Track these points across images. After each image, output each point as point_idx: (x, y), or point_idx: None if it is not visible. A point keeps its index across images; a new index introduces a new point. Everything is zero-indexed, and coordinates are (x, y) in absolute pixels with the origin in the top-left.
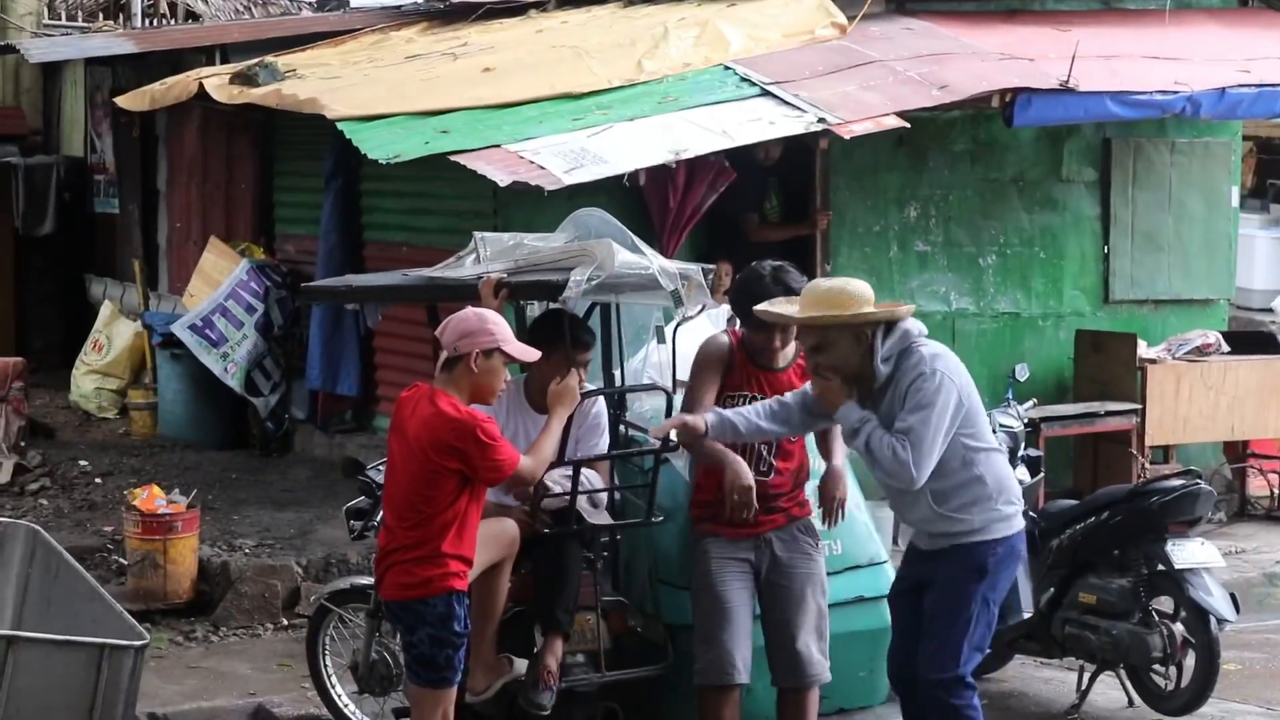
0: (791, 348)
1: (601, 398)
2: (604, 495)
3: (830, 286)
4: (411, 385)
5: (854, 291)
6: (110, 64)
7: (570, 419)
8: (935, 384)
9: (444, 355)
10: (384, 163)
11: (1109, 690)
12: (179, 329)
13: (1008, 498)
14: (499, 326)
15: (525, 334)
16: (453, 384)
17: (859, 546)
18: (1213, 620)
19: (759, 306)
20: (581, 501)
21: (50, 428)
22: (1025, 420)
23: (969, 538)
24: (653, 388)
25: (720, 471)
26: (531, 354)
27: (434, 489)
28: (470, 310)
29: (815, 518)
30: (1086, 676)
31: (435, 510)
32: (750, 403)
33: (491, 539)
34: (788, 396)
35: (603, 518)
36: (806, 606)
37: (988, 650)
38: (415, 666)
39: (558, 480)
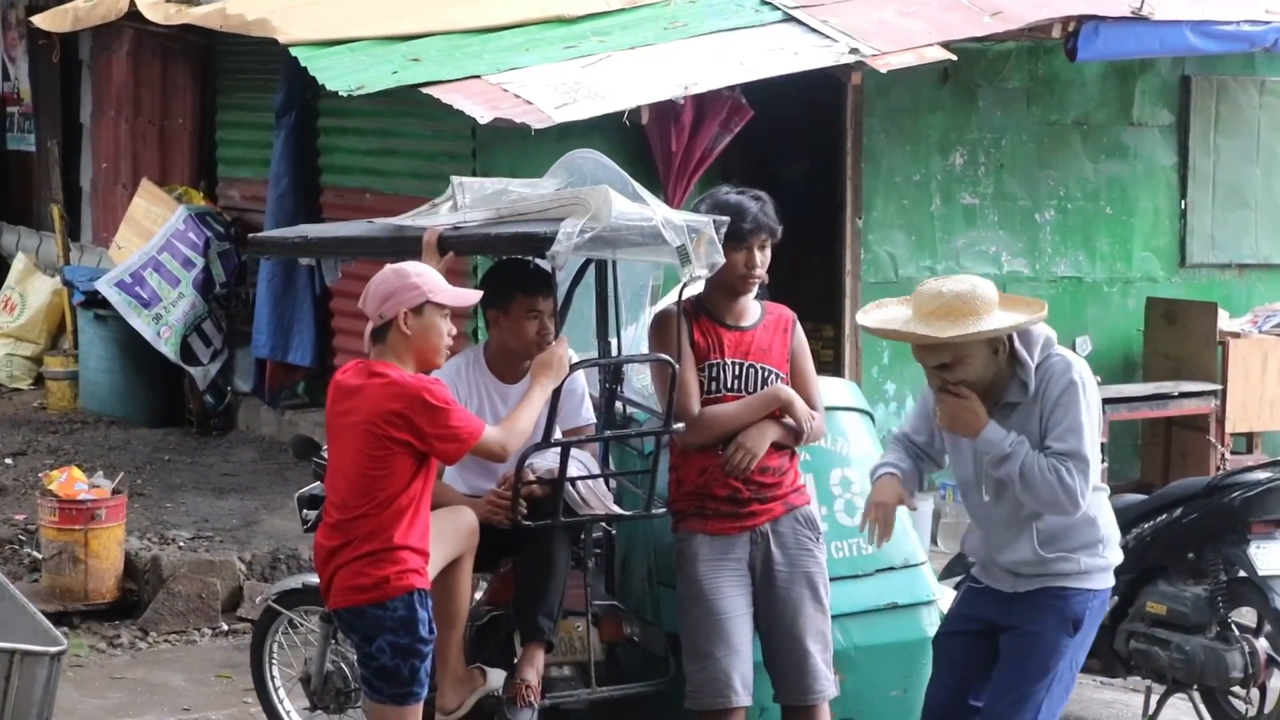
0: (757, 307)
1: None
2: (603, 480)
3: (960, 293)
4: (346, 365)
5: (985, 295)
6: None
7: (555, 392)
8: (1088, 396)
9: (369, 326)
10: (345, 95)
11: (1180, 715)
12: (104, 286)
13: (1112, 547)
14: (424, 277)
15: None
16: (390, 354)
17: (893, 545)
18: None
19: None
20: (569, 489)
21: None
22: None
23: (1068, 581)
24: (655, 358)
25: (706, 456)
26: (468, 297)
27: (383, 468)
28: (387, 268)
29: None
30: (1155, 699)
31: (387, 495)
32: (722, 371)
33: (447, 533)
34: (896, 446)
35: (599, 506)
36: (809, 610)
37: None
38: (376, 681)
39: (547, 462)
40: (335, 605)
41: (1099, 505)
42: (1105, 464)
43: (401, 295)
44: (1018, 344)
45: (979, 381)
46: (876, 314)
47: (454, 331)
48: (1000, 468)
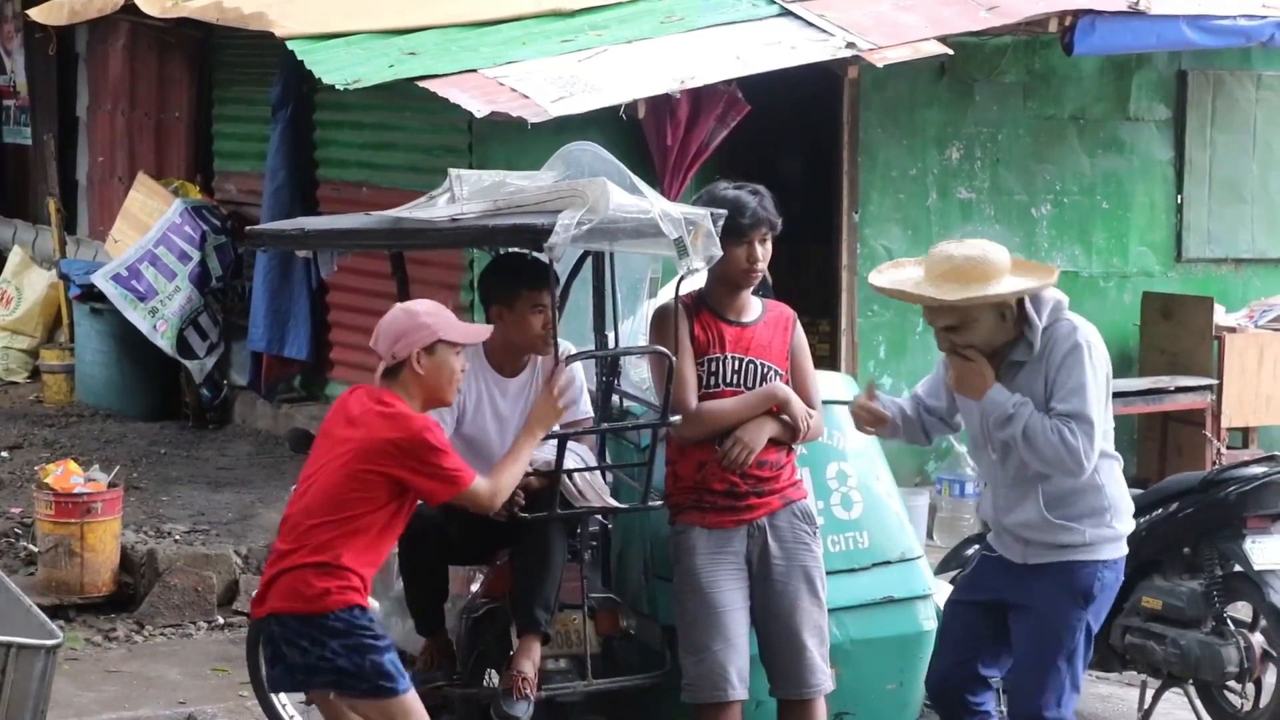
0: (758, 304)
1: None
2: (600, 473)
3: (970, 256)
4: (353, 386)
5: (996, 259)
6: None
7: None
8: (1095, 358)
9: (381, 365)
10: (341, 89)
11: (1175, 710)
12: (101, 279)
13: (1122, 516)
14: (434, 316)
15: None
16: (400, 389)
17: (889, 540)
18: None
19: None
20: (565, 482)
21: None
22: None
23: (1075, 554)
24: (652, 350)
25: (703, 451)
26: (480, 334)
27: (360, 491)
28: (396, 308)
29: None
30: (1150, 694)
31: (352, 514)
32: (721, 366)
33: None
34: (905, 399)
35: (595, 499)
36: (806, 604)
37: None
38: (346, 680)
39: (544, 454)
40: (274, 608)
41: (1108, 472)
42: None
43: (414, 335)
44: (1027, 305)
45: (987, 344)
46: (891, 274)
47: (465, 367)
48: (1005, 429)
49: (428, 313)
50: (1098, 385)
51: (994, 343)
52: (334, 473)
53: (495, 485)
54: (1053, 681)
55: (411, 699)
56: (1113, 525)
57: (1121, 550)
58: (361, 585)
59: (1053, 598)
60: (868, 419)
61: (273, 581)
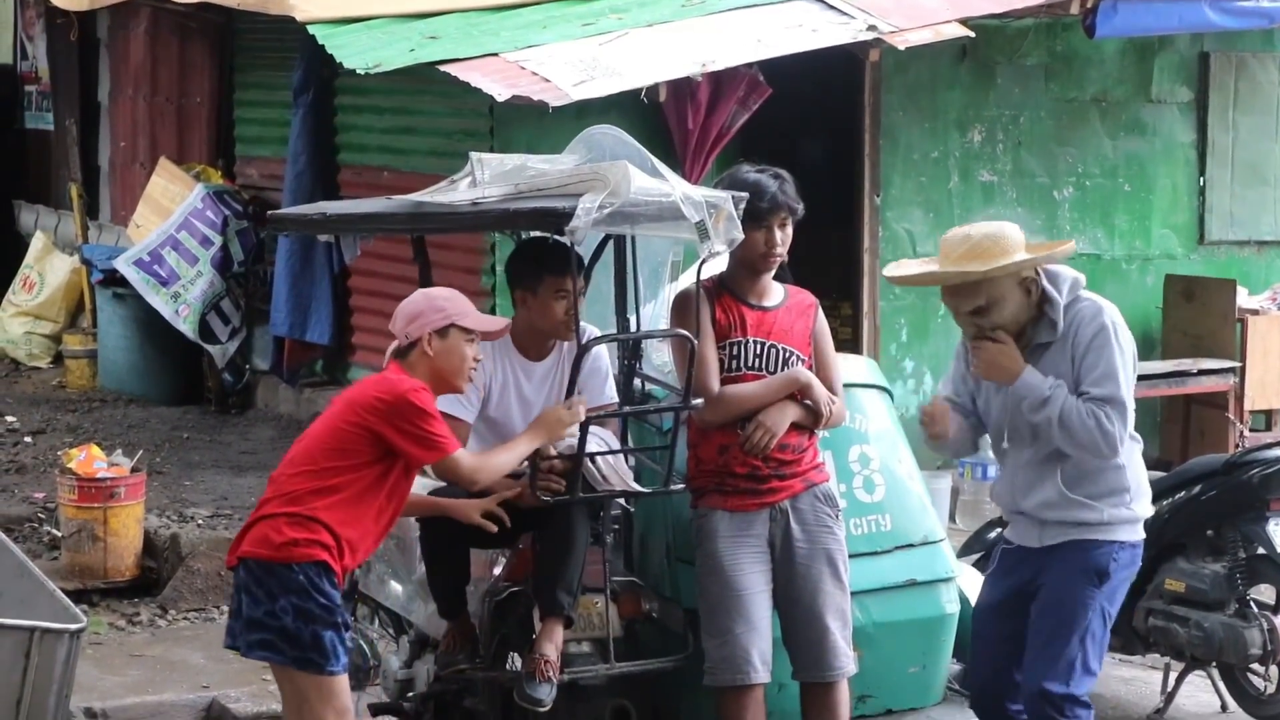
0: (780, 289)
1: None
2: (622, 456)
3: (986, 234)
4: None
5: (1011, 236)
6: None
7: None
8: (1122, 340)
9: (394, 345)
10: (362, 73)
11: (1199, 693)
12: (123, 265)
13: (1141, 500)
14: (451, 302)
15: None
16: (409, 370)
17: (911, 522)
18: None
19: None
20: (588, 465)
21: None
22: None
23: (1091, 532)
24: (674, 334)
25: (725, 435)
26: (495, 324)
27: (341, 444)
28: (417, 292)
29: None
30: (1173, 676)
31: (331, 468)
32: (743, 350)
33: None
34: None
35: (618, 482)
36: (829, 587)
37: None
38: (279, 642)
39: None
40: (244, 554)
41: (1130, 455)
42: None
43: (428, 317)
44: (1046, 283)
45: (1014, 324)
46: (906, 267)
47: (479, 356)
48: (1039, 412)
49: (446, 298)
50: (1126, 367)
51: (1020, 321)
52: (319, 427)
53: (479, 463)
54: (1064, 658)
55: (338, 683)
56: (1131, 507)
57: (1138, 534)
58: (334, 544)
59: (1067, 575)
60: (935, 428)
61: (248, 530)
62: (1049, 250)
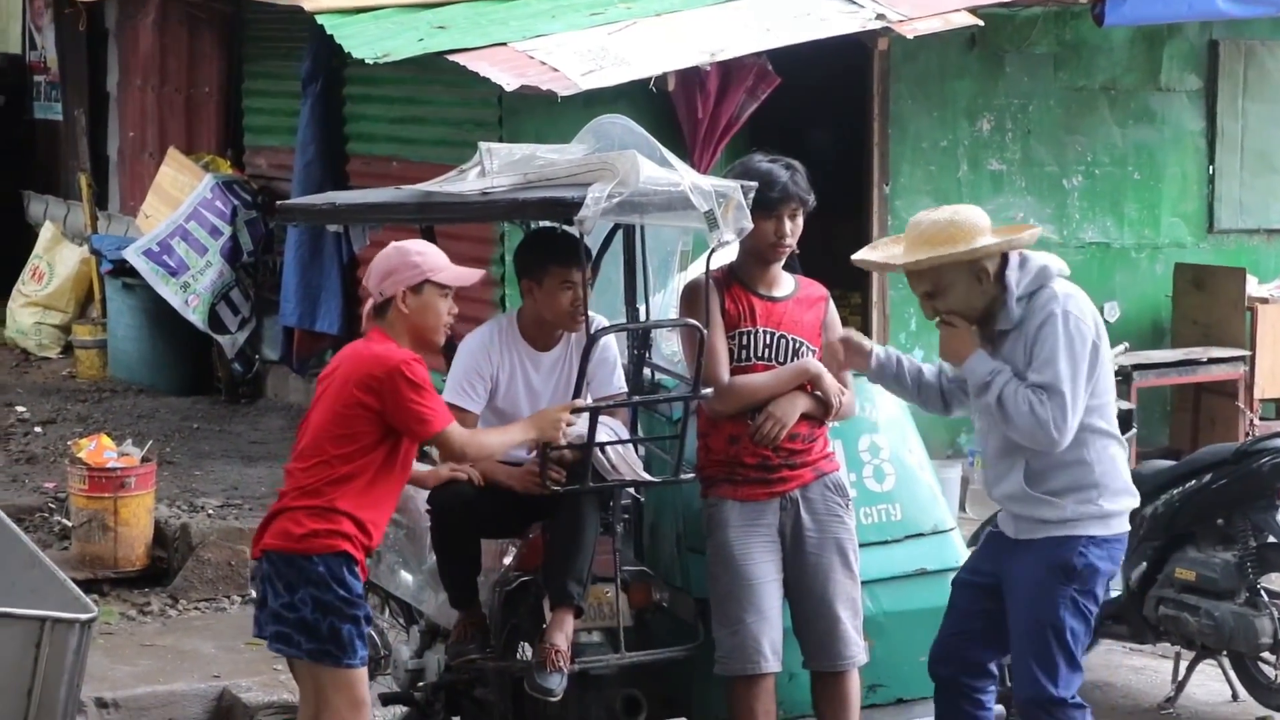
0: (791, 280)
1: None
2: (632, 445)
3: (937, 220)
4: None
5: (965, 222)
6: None
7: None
8: (1070, 328)
9: (369, 303)
10: (371, 63)
11: (1209, 681)
12: (132, 255)
13: (1112, 495)
14: (425, 256)
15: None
16: (388, 330)
17: (921, 511)
18: None
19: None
20: (598, 454)
21: None
22: (1115, 368)
23: (1057, 529)
24: (683, 323)
25: (735, 425)
26: (469, 276)
27: (345, 428)
28: (390, 245)
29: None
30: (1184, 665)
31: (341, 455)
32: (753, 340)
33: None
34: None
35: (628, 472)
36: (839, 576)
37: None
38: (295, 634)
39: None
40: (266, 546)
41: (1099, 450)
42: (1135, 430)
43: (401, 273)
44: (1008, 271)
45: (968, 310)
46: (868, 252)
47: (454, 311)
48: (981, 396)
49: (418, 252)
50: (1072, 356)
51: (975, 307)
52: (321, 415)
53: (470, 440)
54: (1045, 660)
55: (356, 676)
56: (1099, 503)
57: (1113, 529)
58: (357, 531)
59: (1035, 573)
60: (844, 355)
61: (269, 523)
62: (1006, 237)
